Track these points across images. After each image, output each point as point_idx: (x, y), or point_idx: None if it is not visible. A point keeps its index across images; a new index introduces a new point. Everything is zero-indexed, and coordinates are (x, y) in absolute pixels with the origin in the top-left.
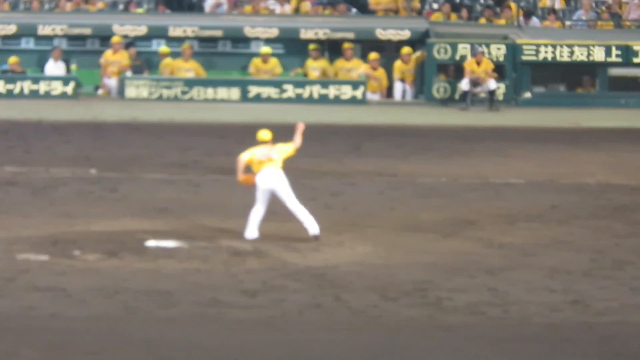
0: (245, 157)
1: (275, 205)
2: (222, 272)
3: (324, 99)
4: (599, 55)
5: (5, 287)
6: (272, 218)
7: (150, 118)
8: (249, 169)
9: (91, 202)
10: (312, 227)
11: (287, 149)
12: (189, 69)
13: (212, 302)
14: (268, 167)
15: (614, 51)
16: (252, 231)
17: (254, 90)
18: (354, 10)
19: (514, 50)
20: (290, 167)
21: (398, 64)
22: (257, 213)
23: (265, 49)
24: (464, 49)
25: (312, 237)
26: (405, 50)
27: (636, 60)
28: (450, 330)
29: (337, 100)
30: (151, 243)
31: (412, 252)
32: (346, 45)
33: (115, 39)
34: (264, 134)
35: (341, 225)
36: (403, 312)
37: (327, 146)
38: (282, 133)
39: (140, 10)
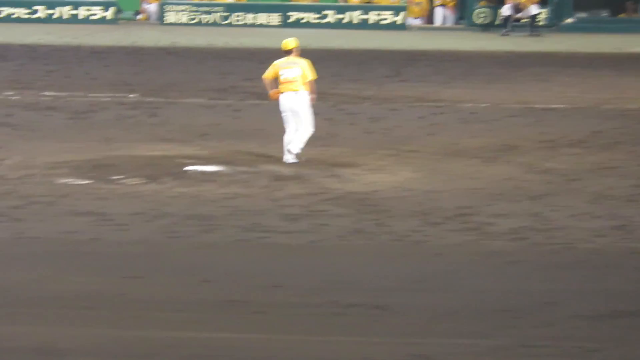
0: (268, 73)
1: (318, 131)
2: (263, 197)
3: (364, 25)
4: None
5: (45, 211)
6: (314, 143)
7: (189, 43)
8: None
9: (131, 126)
10: (291, 151)
11: (308, 71)
12: None
13: (253, 226)
14: (290, 91)
15: None
16: (288, 155)
17: (294, 16)
18: None
19: None
20: (330, 92)
21: None
22: (288, 136)
23: None
24: None
25: (284, 160)
26: None
27: None
28: (493, 255)
29: (378, 25)
30: (191, 168)
31: (453, 178)
32: None
33: None
34: (287, 42)
35: (382, 151)
36: (445, 238)
37: (368, 71)
38: (322, 58)
39: None
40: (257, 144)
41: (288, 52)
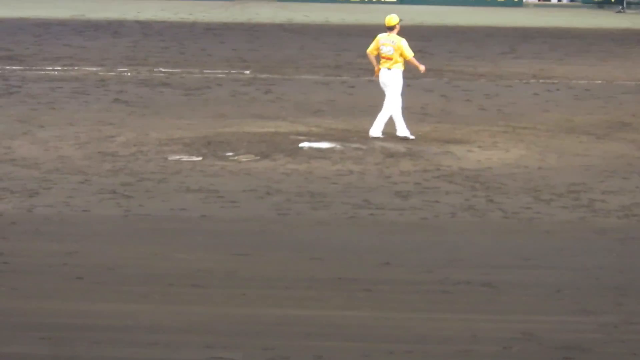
0: (371, 47)
1: (429, 108)
2: (375, 174)
3: (480, 1)
4: None
5: (157, 188)
6: (428, 119)
7: (305, 20)
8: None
9: (245, 103)
10: (374, 130)
11: (403, 50)
12: None
13: (364, 203)
14: (384, 68)
15: None
16: (375, 129)
17: None
18: None
19: None
20: (446, 69)
21: None
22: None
23: None
24: None
25: (370, 136)
26: None
27: None
28: (604, 232)
29: (494, 2)
30: (304, 144)
31: (565, 154)
32: None
33: None
34: (389, 18)
35: (495, 127)
36: (556, 215)
37: (483, 48)
38: (437, 35)
39: None
40: (370, 121)
41: (390, 29)
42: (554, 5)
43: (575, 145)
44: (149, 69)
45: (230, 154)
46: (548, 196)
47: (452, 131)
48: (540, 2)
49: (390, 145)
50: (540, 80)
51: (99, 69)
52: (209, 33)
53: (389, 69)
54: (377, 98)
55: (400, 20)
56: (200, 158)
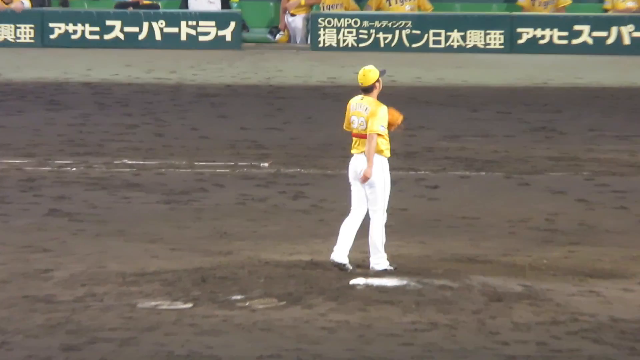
0: (346, 120)
1: (560, 220)
2: (474, 329)
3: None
4: None
5: (120, 354)
6: (555, 239)
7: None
8: None
9: (262, 214)
10: (372, 264)
11: (376, 120)
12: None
13: None
14: (355, 152)
15: None
16: (337, 253)
17: (525, 34)
18: None
19: None
20: (584, 157)
21: None
22: (347, 221)
23: None
24: None
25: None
26: None
27: None
28: None
29: None
30: (358, 281)
31: None
32: None
33: None
34: (362, 73)
35: None
36: None
37: None
38: (571, 101)
39: None
40: (464, 242)
41: (365, 90)
42: None
43: None
44: (107, 160)
45: (238, 297)
46: None
47: (597, 258)
48: None
49: (497, 282)
50: None
51: (26, 161)
52: (203, 102)
53: (361, 152)
54: (472, 202)
55: (382, 72)
56: (189, 305)
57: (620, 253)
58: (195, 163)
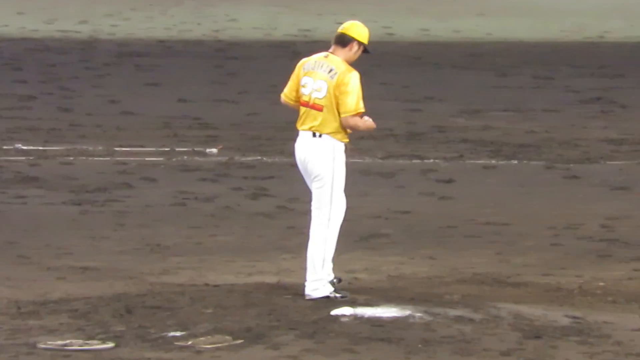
0: (287, 87)
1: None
2: None
3: None
4: None
5: None
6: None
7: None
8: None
9: (208, 220)
10: (308, 279)
11: (350, 94)
12: None
13: None
14: (303, 131)
15: None
16: (313, 285)
17: None
18: None
19: None
20: None
21: None
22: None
23: None
24: None
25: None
26: None
27: None
28: None
29: None
30: (341, 311)
31: None
32: None
33: None
34: (346, 27)
35: None
36: None
37: None
38: None
39: None
40: (490, 257)
41: (339, 43)
42: None
43: None
44: None
45: (177, 333)
46: None
47: None
48: None
49: (536, 312)
50: None
51: None
52: (125, 64)
53: (316, 134)
54: (495, 205)
55: (368, 48)
56: (110, 344)
57: None
58: (116, 149)
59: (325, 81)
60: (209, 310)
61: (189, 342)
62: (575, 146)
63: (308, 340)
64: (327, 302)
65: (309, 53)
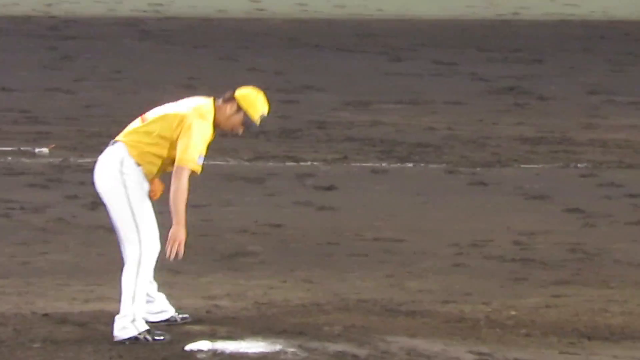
0: None
1: None
2: None
3: None
4: None
5: None
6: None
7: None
8: None
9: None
10: (119, 326)
11: (192, 139)
12: None
13: None
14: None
15: None
16: (122, 325)
17: None
18: None
19: None
20: None
21: None
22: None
23: None
24: None
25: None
26: None
27: None
28: None
29: None
30: (198, 346)
31: None
32: None
33: None
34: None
35: None
36: None
37: None
38: None
39: None
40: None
41: (226, 100)
42: None
43: None
44: None
45: None
46: None
47: (602, 307)
48: None
49: (434, 348)
50: None
51: None
52: None
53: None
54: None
55: (251, 124)
56: None
57: None
58: None
59: (173, 115)
60: (37, 345)
61: None
62: (483, 146)
63: None
64: (181, 334)
65: (161, 32)
